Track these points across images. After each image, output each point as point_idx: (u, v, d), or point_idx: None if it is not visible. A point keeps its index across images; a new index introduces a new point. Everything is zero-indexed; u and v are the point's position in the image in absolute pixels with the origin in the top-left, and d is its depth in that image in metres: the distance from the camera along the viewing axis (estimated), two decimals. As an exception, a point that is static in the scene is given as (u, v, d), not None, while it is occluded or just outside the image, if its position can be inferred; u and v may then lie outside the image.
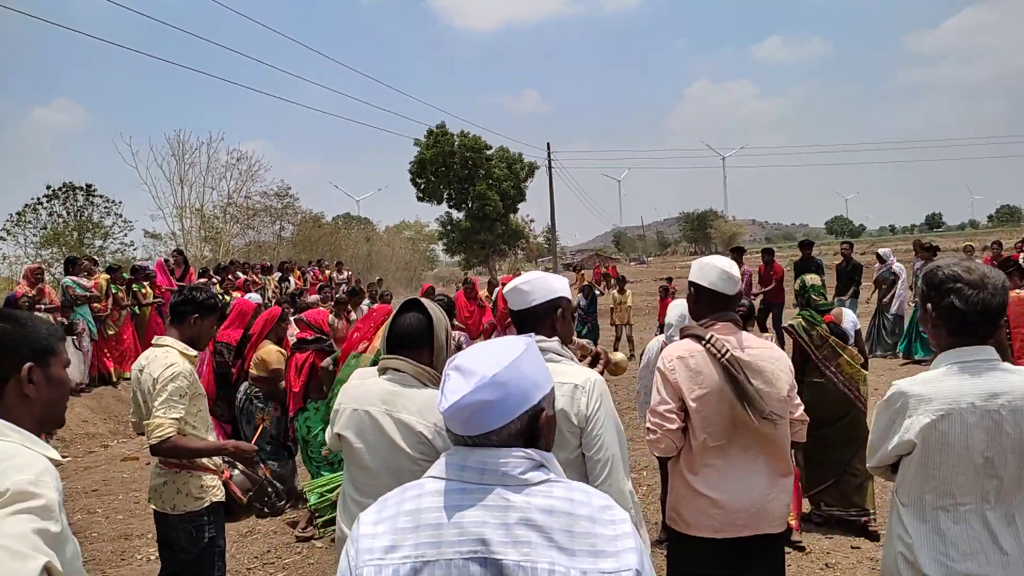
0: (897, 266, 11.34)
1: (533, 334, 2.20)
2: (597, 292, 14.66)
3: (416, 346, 2.32)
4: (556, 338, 2.34)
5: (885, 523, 2.44)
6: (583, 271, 29.41)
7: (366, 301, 11.53)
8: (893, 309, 11.12)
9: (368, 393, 2.31)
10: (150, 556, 5.13)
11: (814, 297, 4.91)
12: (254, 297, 7.32)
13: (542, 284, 2.36)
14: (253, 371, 5.52)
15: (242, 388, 5.58)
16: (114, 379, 10.23)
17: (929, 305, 2.08)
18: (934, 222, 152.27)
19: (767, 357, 2.71)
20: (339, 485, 3.83)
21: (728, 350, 2.62)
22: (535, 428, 1.34)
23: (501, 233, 40.30)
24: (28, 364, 1.66)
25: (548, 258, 53.47)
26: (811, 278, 5.05)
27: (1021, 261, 6.84)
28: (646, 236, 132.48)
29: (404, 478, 2.17)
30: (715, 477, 2.65)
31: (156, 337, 3.44)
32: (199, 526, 3.28)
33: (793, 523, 4.42)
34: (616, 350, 13.16)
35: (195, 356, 3.38)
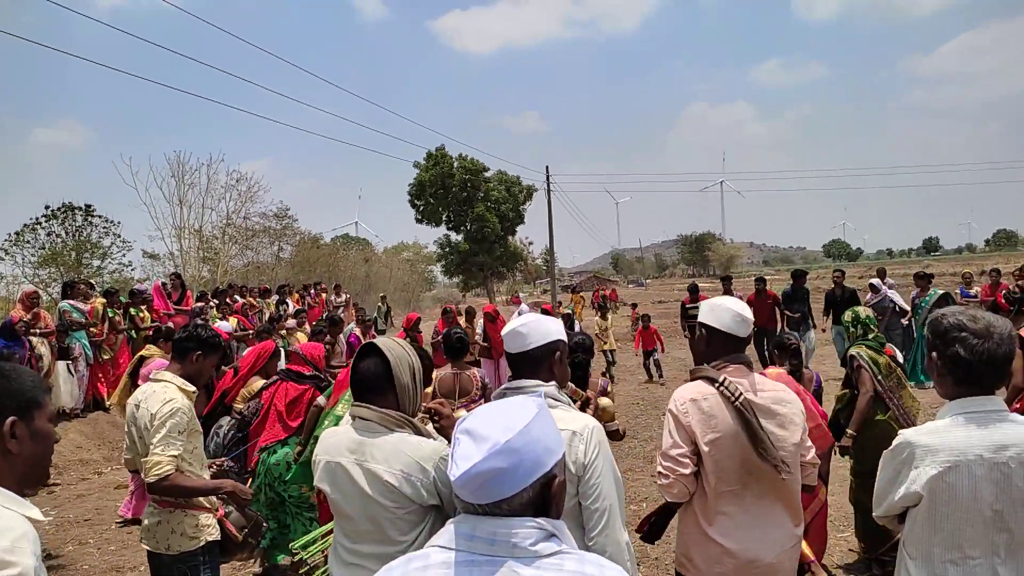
0: (891, 293, 11.32)
1: (543, 391, 2.19)
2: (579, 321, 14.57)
3: (378, 391, 2.31)
4: (553, 382, 2.31)
5: None
6: (581, 293, 29.35)
7: (351, 325, 11.45)
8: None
9: (338, 444, 2.31)
10: (142, 589, 5.05)
11: (869, 329, 4.91)
12: (224, 326, 7.25)
13: (539, 327, 2.33)
14: (240, 405, 5.39)
15: (225, 422, 5.40)
16: (107, 404, 10.14)
17: (935, 354, 2.06)
18: (931, 246, 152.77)
19: (780, 400, 2.66)
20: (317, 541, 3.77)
21: (741, 393, 2.58)
22: (547, 495, 1.30)
23: (499, 255, 40.23)
24: (11, 418, 1.59)
25: (546, 280, 53.48)
26: (864, 311, 5.07)
27: None
28: (644, 258, 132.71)
29: (383, 526, 2.22)
30: (729, 525, 2.60)
31: (154, 371, 3.40)
32: (194, 566, 3.22)
33: (811, 556, 4.31)
34: (605, 378, 13.13)
35: (194, 392, 3.34)
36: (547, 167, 36.50)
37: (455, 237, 40.57)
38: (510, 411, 1.31)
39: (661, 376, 13.15)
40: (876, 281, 11.90)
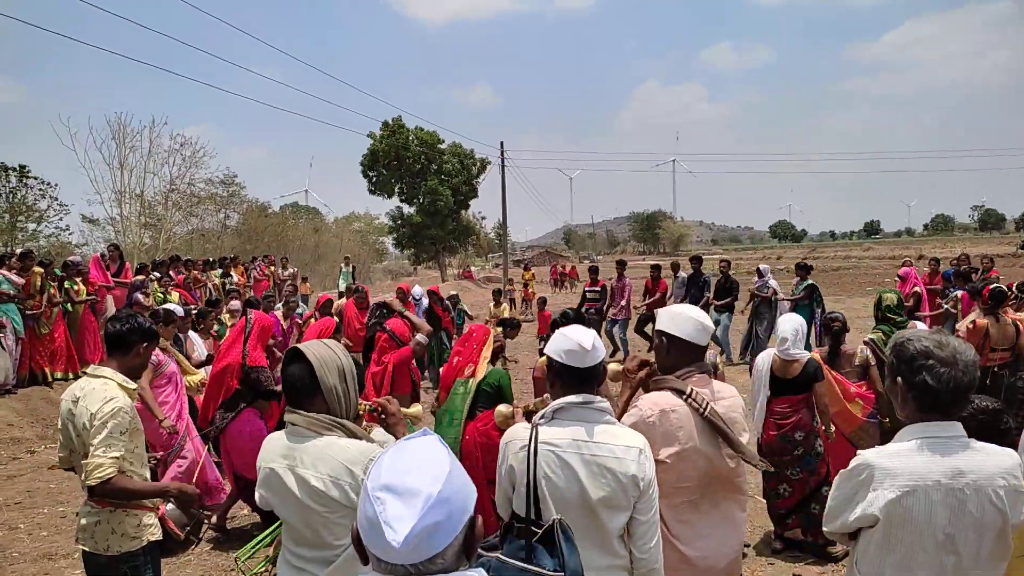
0: (772, 281, 12.24)
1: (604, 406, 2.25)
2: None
3: (306, 396, 2.32)
4: (605, 399, 2.33)
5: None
6: (532, 268, 29.31)
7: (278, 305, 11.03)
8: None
9: (272, 449, 2.35)
10: (77, 579, 4.87)
11: (891, 315, 5.02)
12: (177, 309, 6.82)
13: (598, 341, 2.33)
14: None
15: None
16: (49, 379, 9.77)
17: (900, 379, 2.06)
18: (872, 229, 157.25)
19: (735, 407, 2.75)
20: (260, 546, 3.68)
21: (708, 404, 2.61)
22: (471, 537, 1.26)
23: (452, 229, 39.95)
24: None
25: (498, 254, 53.42)
26: (888, 296, 5.17)
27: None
28: (596, 234, 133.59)
29: (319, 530, 2.23)
30: (690, 533, 2.64)
31: (92, 367, 3.22)
32: (135, 567, 3.10)
33: None
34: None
35: (134, 389, 3.19)
36: (502, 142, 36.33)
37: (408, 209, 40.14)
38: (424, 458, 1.25)
39: None
40: (764, 267, 12.78)
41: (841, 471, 2.19)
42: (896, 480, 1.99)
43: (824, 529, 2.28)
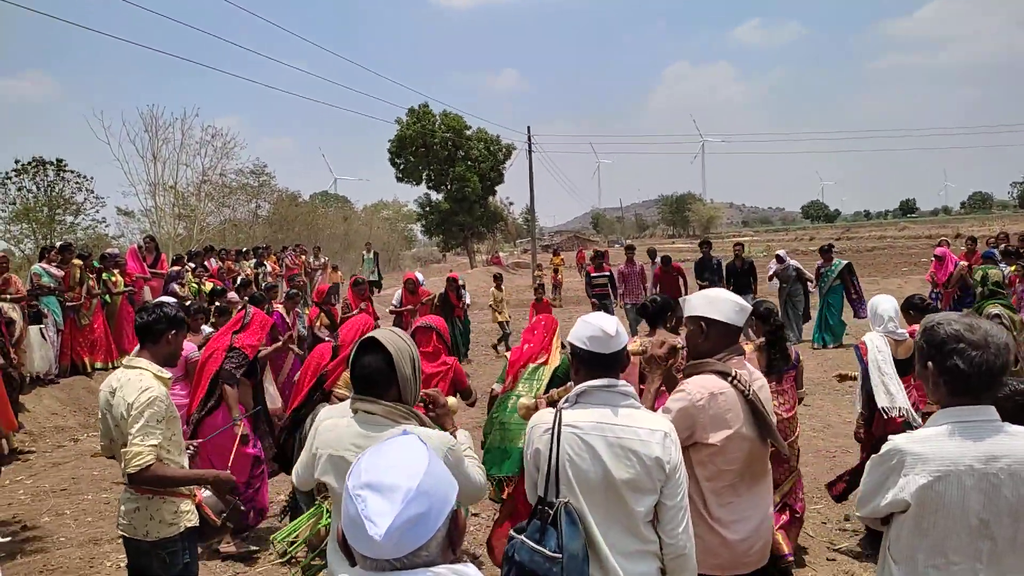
0: (794, 263, 12.33)
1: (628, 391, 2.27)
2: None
3: (382, 385, 2.32)
4: (628, 383, 2.34)
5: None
6: (561, 253, 29.18)
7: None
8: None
9: (341, 437, 2.33)
10: (120, 563, 5.00)
11: (997, 290, 5.04)
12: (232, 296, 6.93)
13: (621, 328, 2.35)
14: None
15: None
16: (88, 369, 10.01)
17: (931, 364, 2.03)
18: (908, 208, 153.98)
19: (765, 388, 2.77)
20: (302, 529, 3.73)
21: (751, 386, 2.64)
22: (454, 530, 1.28)
23: (480, 215, 39.97)
24: None
25: (527, 240, 53.38)
26: (993, 272, 5.18)
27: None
28: (624, 218, 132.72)
29: None
30: (730, 516, 2.66)
31: (127, 358, 3.31)
32: (173, 552, 3.18)
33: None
34: (498, 349, 13.04)
35: (169, 378, 3.27)
36: (528, 127, 36.25)
37: (435, 196, 40.25)
38: (402, 454, 1.27)
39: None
40: (782, 252, 12.88)
41: (873, 456, 2.17)
42: (927, 465, 1.97)
43: (856, 514, 2.27)
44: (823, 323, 11.88)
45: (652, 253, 13.61)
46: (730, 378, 2.63)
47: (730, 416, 2.60)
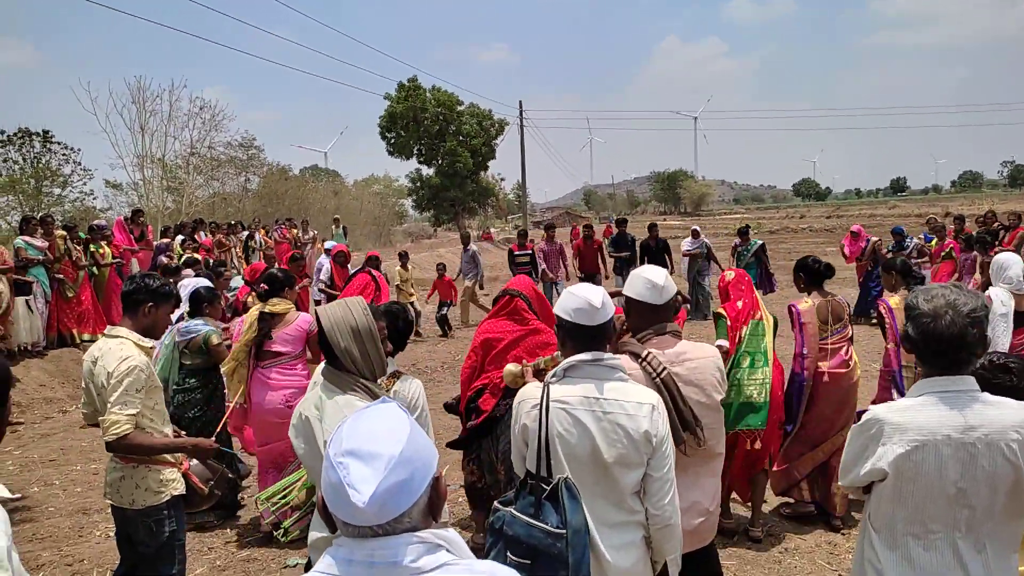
0: (706, 240, 13.27)
1: (597, 355, 2.27)
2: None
3: (330, 356, 2.46)
4: (616, 355, 2.34)
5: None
6: (552, 229, 29.15)
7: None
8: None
9: (309, 398, 2.47)
10: (108, 532, 5.03)
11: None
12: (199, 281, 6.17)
13: (608, 300, 2.34)
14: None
15: None
16: (77, 341, 9.96)
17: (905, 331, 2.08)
18: (898, 186, 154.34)
19: (704, 368, 2.71)
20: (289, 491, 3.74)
21: (664, 368, 2.58)
22: (436, 497, 1.29)
23: (471, 191, 39.83)
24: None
25: (518, 216, 53.26)
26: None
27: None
28: (616, 195, 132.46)
29: None
30: None
31: (108, 327, 3.30)
32: (159, 520, 3.20)
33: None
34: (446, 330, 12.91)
35: (151, 347, 3.26)
36: (520, 102, 36.12)
37: (426, 171, 40.03)
38: (384, 422, 1.27)
39: (450, 330, 12.75)
40: (697, 227, 13.79)
41: (853, 426, 2.20)
42: (905, 435, 1.99)
43: (839, 483, 2.29)
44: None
45: (523, 234, 14.07)
46: (639, 359, 2.60)
47: None
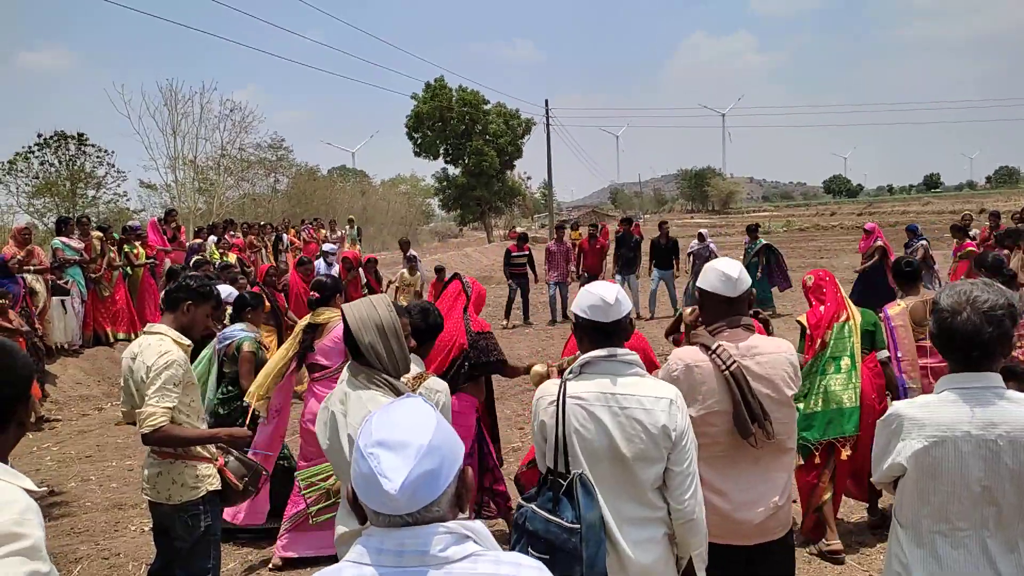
0: (711, 243, 13.16)
1: (611, 350, 2.29)
2: None
3: (356, 353, 2.47)
4: (632, 351, 2.36)
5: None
6: (579, 228, 29.03)
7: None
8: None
9: (335, 394, 2.49)
10: (144, 527, 5.14)
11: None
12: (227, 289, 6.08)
13: (623, 295, 2.37)
14: None
15: None
16: (111, 340, 10.18)
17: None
18: (932, 182, 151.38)
19: (776, 363, 2.64)
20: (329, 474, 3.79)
21: (735, 360, 2.56)
22: (463, 488, 1.32)
23: (497, 190, 39.84)
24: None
25: (544, 215, 53.22)
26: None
27: None
28: (643, 193, 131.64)
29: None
30: (725, 485, 2.62)
31: (148, 325, 3.40)
32: (195, 515, 3.28)
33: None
34: None
35: (188, 345, 3.34)
36: (546, 100, 36.09)
37: (453, 171, 40.15)
38: (411, 413, 1.31)
39: None
40: (704, 231, 13.91)
41: (879, 420, 2.20)
42: (924, 430, 1.99)
43: (872, 479, 2.28)
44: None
45: (560, 228, 14.62)
46: (710, 351, 2.59)
47: (704, 390, 2.56)
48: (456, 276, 4.66)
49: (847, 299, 4.46)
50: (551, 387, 2.36)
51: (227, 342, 5.02)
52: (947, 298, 2.02)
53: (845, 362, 4.25)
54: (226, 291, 5.76)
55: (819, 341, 4.28)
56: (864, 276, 11.12)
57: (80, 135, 26.14)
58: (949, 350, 2.04)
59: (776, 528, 2.71)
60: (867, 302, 5.49)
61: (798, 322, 4.51)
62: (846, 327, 4.29)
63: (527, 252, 13.06)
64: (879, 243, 11.23)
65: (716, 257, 13.06)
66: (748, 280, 2.75)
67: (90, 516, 5.54)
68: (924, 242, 11.29)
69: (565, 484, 2.21)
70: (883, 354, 4.36)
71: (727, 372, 2.54)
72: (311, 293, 4.81)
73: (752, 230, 13.25)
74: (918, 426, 2.01)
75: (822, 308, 4.37)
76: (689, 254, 13.18)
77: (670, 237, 13.19)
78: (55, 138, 25.65)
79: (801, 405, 4.19)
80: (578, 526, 2.13)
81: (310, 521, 4.83)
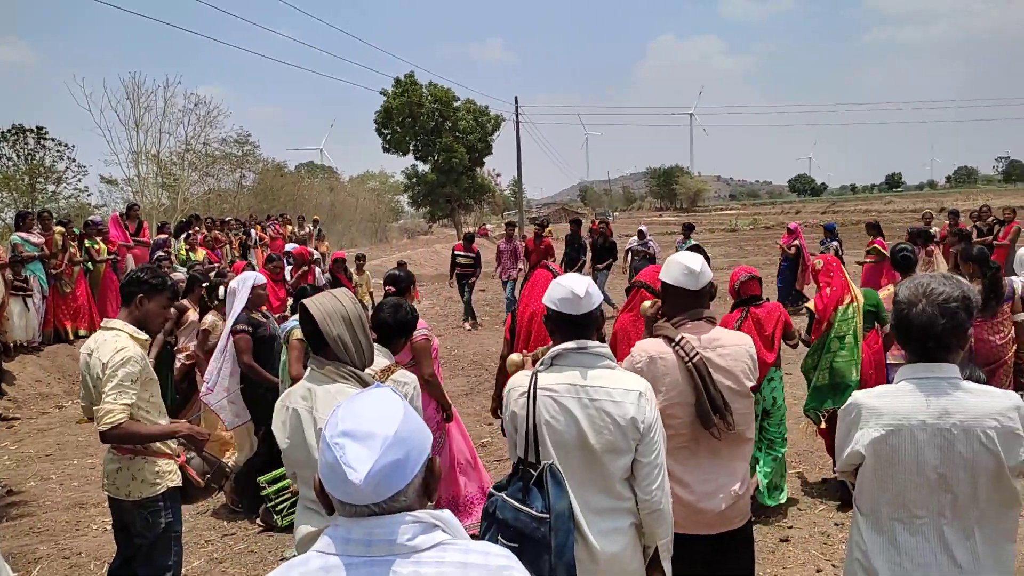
0: (652, 243, 13.72)
1: (583, 342, 2.31)
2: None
3: (320, 347, 2.47)
4: (603, 344, 2.37)
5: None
6: (549, 225, 29.13)
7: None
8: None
9: (295, 392, 2.48)
10: (105, 526, 5.04)
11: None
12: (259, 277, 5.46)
13: (594, 288, 2.37)
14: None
15: None
16: (71, 337, 9.97)
17: None
18: (894, 182, 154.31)
19: (737, 355, 2.70)
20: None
21: (697, 352, 2.60)
22: (430, 477, 1.32)
23: (467, 187, 39.71)
24: None
25: (514, 212, 53.23)
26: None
27: None
28: (612, 191, 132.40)
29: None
30: (687, 477, 2.66)
31: (104, 320, 3.33)
32: (155, 511, 3.23)
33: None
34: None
35: (146, 339, 3.28)
36: (516, 97, 36.08)
37: (422, 167, 39.94)
38: (377, 404, 1.30)
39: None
40: (644, 228, 14.37)
41: (839, 410, 2.24)
42: (881, 419, 2.04)
43: (834, 470, 2.33)
44: None
45: (511, 225, 14.77)
46: (673, 343, 2.63)
47: (667, 381, 2.60)
48: (543, 263, 4.55)
49: (851, 282, 4.87)
50: (522, 378, 2.37)
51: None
52: (905, 290, 2.06)
53: (848, 340, 4.67)
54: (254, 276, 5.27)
55: (825, 322, 4.70)
56: (780, 271, 12.76)
57: (39, 128, 25.58)
58: (906, 341, 2.08)
59: (736, 518, 2.77)
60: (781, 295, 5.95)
61: (807, 308, 4.98)
62: (850, 308, 4.71)
63: (474, 252, 13.20)
64: (797, 242, 12.35)
65: (655, 254, 13.32)
66: (710, 274, 2.80)
67: (50, 515, 5.42)
68: (836, 243, 12.43)
69: (535, 474, 2.23)
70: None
71: (690, 364, 2.58)
72: (386, 288, 4.79)
73: (688, 228, 13.83)
74: (876, 415, 2.05)
75: (828, 291, 4.78)
76: (628, 250, 13.69)
77: (608, 237, 13.80)
78: (12, 132, 25.05)
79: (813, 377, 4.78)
80: (547, 516, 2.15)
81: (281, 523, 4.80)
